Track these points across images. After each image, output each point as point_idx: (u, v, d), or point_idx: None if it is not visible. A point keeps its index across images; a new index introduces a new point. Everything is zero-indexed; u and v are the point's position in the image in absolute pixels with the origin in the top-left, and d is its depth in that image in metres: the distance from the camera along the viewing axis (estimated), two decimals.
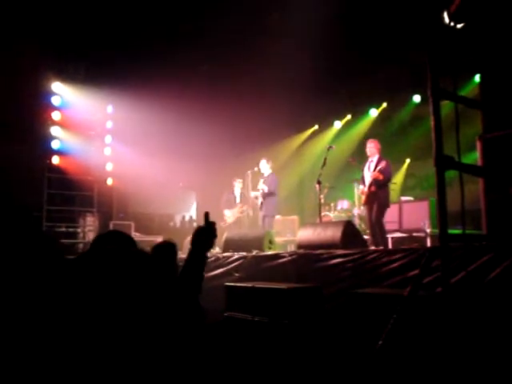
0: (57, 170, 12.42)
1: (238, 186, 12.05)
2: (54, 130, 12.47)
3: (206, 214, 2.55)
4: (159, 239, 10.18)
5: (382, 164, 8.64)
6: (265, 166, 10.81)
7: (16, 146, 11.01)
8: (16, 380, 1.72)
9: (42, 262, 2.17)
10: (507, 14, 6.01)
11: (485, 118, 6.13)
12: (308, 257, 6.85)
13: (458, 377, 3.29)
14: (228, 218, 11.97)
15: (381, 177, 8.59)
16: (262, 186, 10.65)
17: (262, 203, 10.62)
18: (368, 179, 8.81)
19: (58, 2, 10.06)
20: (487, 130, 6.02)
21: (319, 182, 9.59)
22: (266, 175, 10.84)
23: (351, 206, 11.65)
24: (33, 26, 10.32)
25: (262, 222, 10.57)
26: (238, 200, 11.97)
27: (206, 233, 2.45)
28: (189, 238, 3.09)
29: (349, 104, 14.28)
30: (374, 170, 8.71)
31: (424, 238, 9.97)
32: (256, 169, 10.90)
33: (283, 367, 4.33)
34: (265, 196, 10.57)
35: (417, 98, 12.95)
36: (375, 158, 8.89)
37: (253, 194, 10.86)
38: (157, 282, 1.15)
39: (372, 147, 9.00)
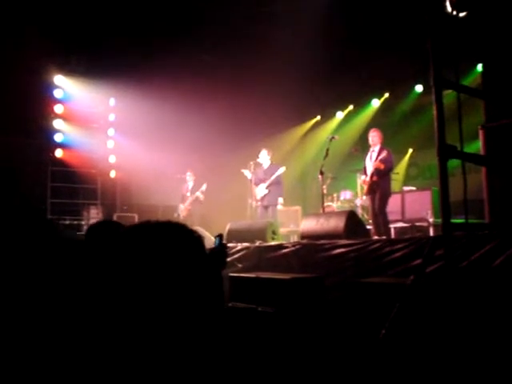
0: (60, 163, 12.43)
1: (190, 179, 12.26)
2: (57, 123, 12.47)
3: (220, 237, 2.57)
4: None
5: (384, 154, 8.62)
6: (265, 157, 10.80)
7: (19, 139, 11.05)
8: (16, 378, 1.73)
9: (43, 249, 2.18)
10: (509, 2, 5.99)
11: (487, 107, 6.12)
12: (311, 247, 6.88)
13: (459, 365, 3.31)
14: (181, 212, 12.21)
15: (382, 166, 8.57)
16: (270, 176, 10.63)
17: (264, 194, 10.61)
18: (370, 169, 8.80)
19: None
20: (490, 119, 6.01)
21: (322, 173, 9.59)
22: (265, 166, 10.82)
23: (354, 196, 11.67)
24: (35, 19, 10.30)
25: (265, 211, 10.56)
26: (188, 194, 12.17)
27: (218, 255, 2.48)
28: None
29: (351, 94, 14.25)
30: (376, 159, 8.70)
31: (427, 228, 9.98)
32: (258, 159, 10.90)
33: (286, 357, 4.36)
34: (272, 186, 10.55)
35: (419, 88, 12.92)
36: (377, 148, 8.87)
37: (261, 187, 10.79)
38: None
39: (375, 136, 8.98)
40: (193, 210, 12.06)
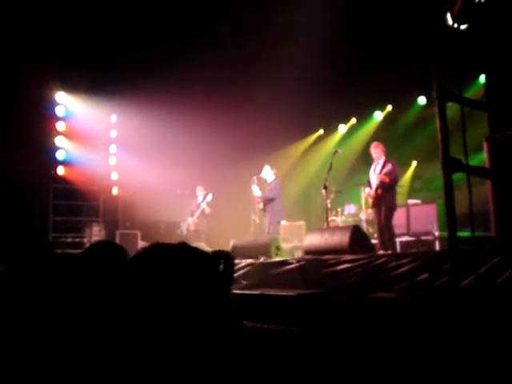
0: (62, 180, 12.44)
1: (200, 193, 12.11)
2: (59, 141, 12.49)
3: (225, 257, 2.52)
4: None
5: (388, 166, 8.55)
6: (268, 173, 10.77)
7: (21, 156, 11.03)
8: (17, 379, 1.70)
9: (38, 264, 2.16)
10: (510, 13, 5.97)
11: (491, 118, 6.07)
12: (316, 263, 6.80)
13: (466, 379, 3.23)
14: (189, 226, 12.12)
15: (387, 179, 8.49)
16: (257, 193, 10.65)
17: (264, 209, 10.58)
18: (374, 182, 8.73)
19: (61, 12, 10.09)
20: (494, 131, 5.96)
21: (325, 187, 9.54)
22: (269, 182, 10.80)
23: (358, 210, 11.58)
24: (36, 35, 10.34)
25: (268, 229, 10.52)
26: (197, 210, 12.06)
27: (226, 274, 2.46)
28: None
29: (353, 107, 14.23)
30: (380, 172, 8.63)
31: (433, 242, 9.89)
32: (262, 175, 10.87)
33: (293, 375, 4.28)
34: (266, 202, 10.53)
35: (422, 100, 12.89)
36: (381, 161, 8.80)
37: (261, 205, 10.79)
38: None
39: (377, 152, 8.92)
40: (200, 224, 11.95)
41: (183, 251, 1.20)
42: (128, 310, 1.12)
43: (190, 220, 12.12)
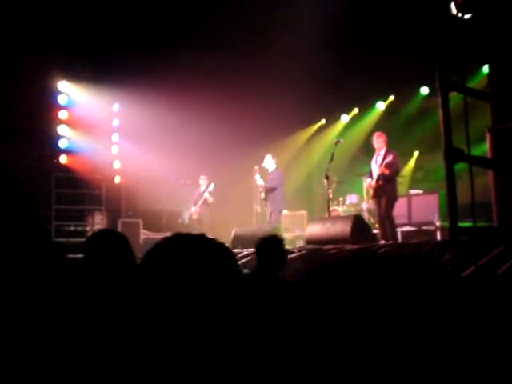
0: (65, 169, 12.45)
1: (203, 182, 12.14)
2: (61, 129, 12.49)
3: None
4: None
5: (389, 158, 8.52)
6: (270, 162, 10.75)
7: (23, 145, 11.04)
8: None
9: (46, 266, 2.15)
10: None
11: (494, 109, 6.06)
12: (317, 252, 6.82)
13: (464, 373, 3.25)
14: (193, 215, 12.16)
15: (387, 171, 8.46)
16: (260, 182, 10.64)
17: (266, 199, 10.57)
18: (375, 172, 8.72)
19: (63, 1, 10.06)
20: (497, 122, 5.96)
21: (327, 177, 9.55)
22: (270, 171, 10.79)
23: (360, 200, 11.58)
24: (38, 25, 10.32)
25: (269, 218, 10.51)
26: (200, 199, 12.08)
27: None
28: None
29: (356, 98, 14.19)
30: (382, 163, 8.61)
31: (434, 232, 9.90)
32: (263, 164, 10.86)
33: (296, 366, 4.30)
34: (267, 191, 10.52)
35: (424, 90, 12.86)
36: (382, 151, 8.78)
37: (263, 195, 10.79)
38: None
39: (379, 142, 8.90)
40: (203, 214, 11.98)
41: (204, 242, 1.21)
42: (147, 298, 1.13)
43: (192, 209, 12.14)
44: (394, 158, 8.55)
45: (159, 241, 1.22)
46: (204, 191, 11.96)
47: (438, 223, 9.74)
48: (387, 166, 8.47)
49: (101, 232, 2.75)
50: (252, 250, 7.88)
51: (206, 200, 11.83)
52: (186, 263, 1.14)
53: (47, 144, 12.23)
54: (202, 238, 1.22)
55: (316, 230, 7.74)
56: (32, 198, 11.03)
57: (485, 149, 6.20)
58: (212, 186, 11.79)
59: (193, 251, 1.17)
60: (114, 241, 2.58)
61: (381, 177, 8.55)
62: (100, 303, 2.08)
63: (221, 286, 1.15)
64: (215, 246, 1.21)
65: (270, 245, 4.34)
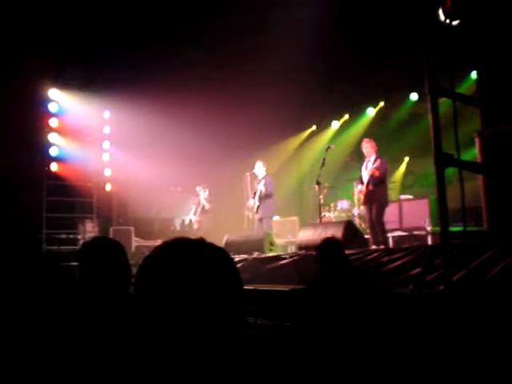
0: (55, 176, 12.40)
1: (201, 193, 12.12)
2: (52, 137, 12.46)
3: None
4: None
5: (378, 162, 8.60)
6: (260, 169, 10.75)
7: (14, 153, 10.99)
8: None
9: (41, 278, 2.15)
10: (502, 9, 6.01)
11: (483, 114, 6.11)
12: (309, 258, 6.83)
13: (458, 374, 3.27)
14: (193, 224, 12.18)
15: (377, 173, 8.50)
16: (261, 187, 10.63)
17: (258, 206, 10.54)
18: (366, 178, 8.77)
19: (54, 8, 10.05)
20: (486, 127, 6.00)
21: (318, 183, 9.57)
22: (260, 178, 10.77)
23: (351, 205, 11.61)
24: (29, 32, 10.30)
25: (260, 224, 10.48)
26: (198, 208, 12.09)
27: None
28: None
29: (346, 104, 14.26)
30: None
31: (425, 236, 9.94)
32: (254, 171, 10.87)
33: (286, 370, 4.31)
34: (262, 198, 10.51)
35: (414, 96, 12.94)
36: (372, 158, 8.83)
37: (251, 201, 10.77)
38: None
39: (368, 147, 8.95)
40: (202, 222, 12.01)
41: (203, 247, 1.20)
42: (148, 303, 1.12)
43: (193, 219, 12.15)
44: (382, 162, 8.60)
45: (158, 246, 1.20)
46: (204, 200, 12.00)
47: (428, 228, 9.78)
48: (377, 168, 8.51)
49: (96, 239, 2.75)
50: (244, 256, 7.90)
51: (203, 207, 11.84)
52: (187, 268, 1.14)
53: (38, 152, 12.19)
54: (201, 243, 1.21)
55: (308, 235, 7.75)
56: (23, 206, 10.95)
57: (474, 153, 6.24)
58: (206, 191, 11.84)
59: (193, 256, 1.17)
60: (109, 248, 2.58)
61: (371, 181, 8.58)
62: (99, 312, 2.08)
63: (223, 290, 1.15)
64: (215, 250, 1.20)
65: (332, 248, 4.43)
